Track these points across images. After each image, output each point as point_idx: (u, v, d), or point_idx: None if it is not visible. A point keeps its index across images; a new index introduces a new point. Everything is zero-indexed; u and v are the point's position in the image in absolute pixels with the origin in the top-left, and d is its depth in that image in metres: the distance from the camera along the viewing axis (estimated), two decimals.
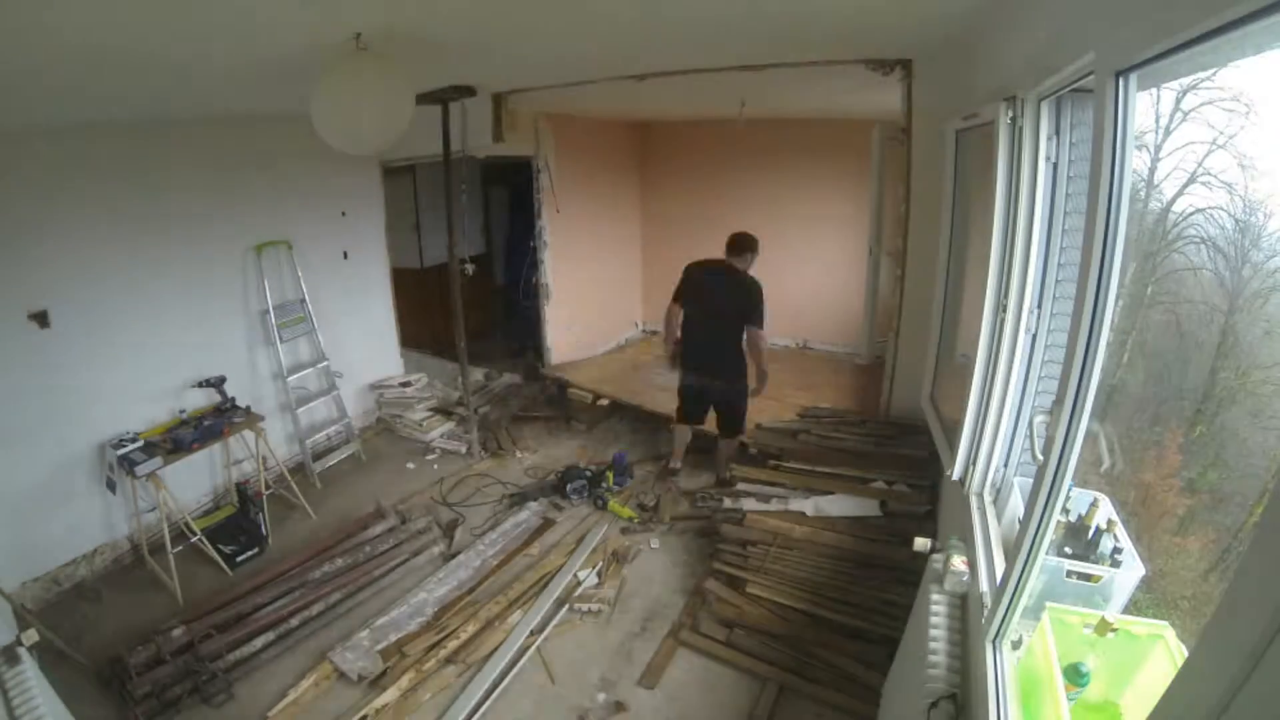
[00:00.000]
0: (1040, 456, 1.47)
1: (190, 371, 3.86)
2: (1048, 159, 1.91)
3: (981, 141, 2.33)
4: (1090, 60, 1.35)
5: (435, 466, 4.66)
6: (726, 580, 3.14)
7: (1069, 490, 1.45)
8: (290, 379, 4.37)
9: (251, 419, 3.86)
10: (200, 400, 3.89)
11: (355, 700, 2.68)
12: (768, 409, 4.27)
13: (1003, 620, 1.59)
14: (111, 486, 3.47)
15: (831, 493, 3.29)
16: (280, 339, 4.28)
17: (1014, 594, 1.55)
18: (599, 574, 3.35)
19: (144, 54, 2.03)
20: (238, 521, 3.85)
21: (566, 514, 3.97)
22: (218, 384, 3.90)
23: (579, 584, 3.27)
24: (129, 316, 3.59)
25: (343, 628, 3.08)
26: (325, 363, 4.60)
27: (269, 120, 4.00)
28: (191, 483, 3.93)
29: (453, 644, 2.91)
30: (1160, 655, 1.51)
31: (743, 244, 3.87)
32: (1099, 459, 1.71)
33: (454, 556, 3.56)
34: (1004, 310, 2.05)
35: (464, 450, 4.76)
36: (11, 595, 2.87)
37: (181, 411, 3.75)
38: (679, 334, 4.04)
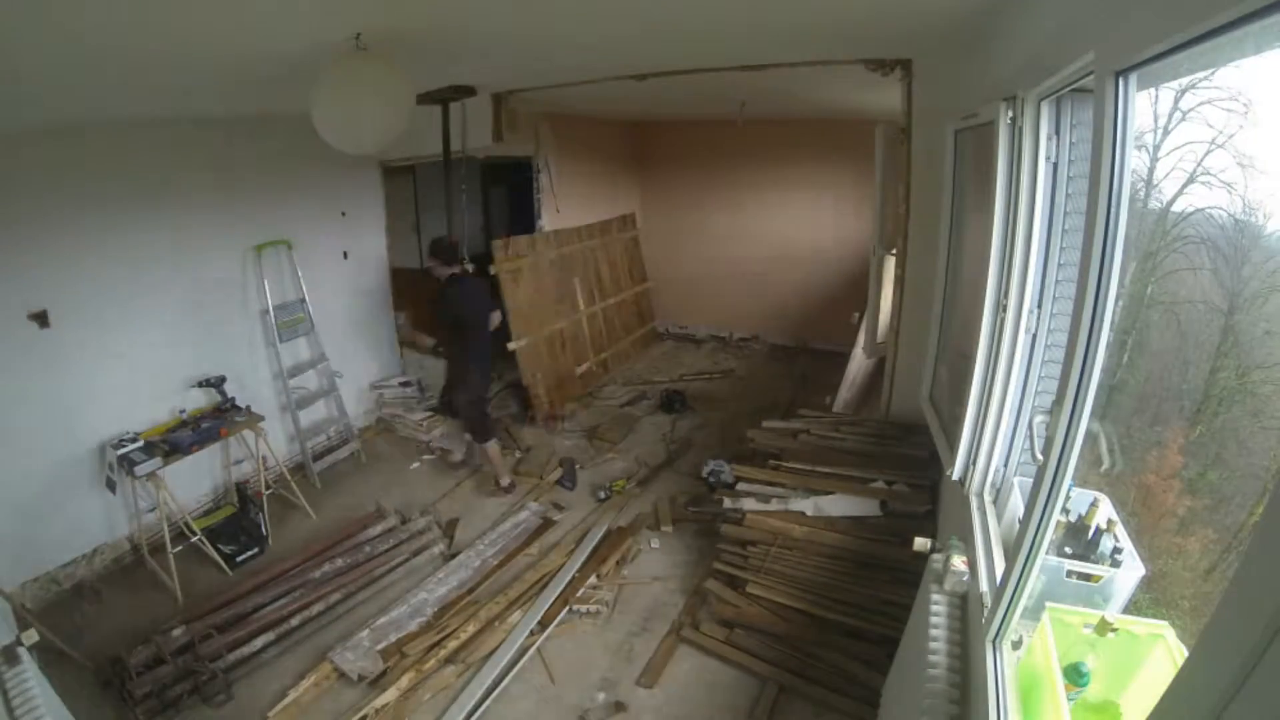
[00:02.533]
0: (1040, 456, 1.47)
1: (190, 371, 3.86)
2: (1048, 159, 1.91)
3: (981, 141, 2.32)
4: (1090, 60, 1.35)
5: (435, 466, 4.66)
6: (726, 580, 3.13)
7: (1069, 490, 1.45)
8: (290, 379, 4.37)
9: (251, 419, 3.85)
10: (201, 400, 3.89)
11: (355, 700, 2.68)
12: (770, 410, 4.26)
13: (1003, 620, 1.59)
14: (111, 486, 3.47)
15: (831, 493, 3.29)
16: (280, 339, 4.28)
17: (1014, 594, 1.55)
18: (598, 575, 3.36)
19: (144, 54, 2.03)
20: (238, 521, 3.85)
21: (567, 514, 3.97)
22: (218, 384, 3.90)
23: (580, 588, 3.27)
24: (129, 316, 3.59)
25: (343, 628, 3.08)
26: (325, 363, 4.60)
27: (269, 120, 4.00)
28: (192, 483, 3.93)
29: (453, 644, 2.91)
30: (1160, 655, 1.51)
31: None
32: (1099, 459, 1.71)
33: (454, 556, 3.56)
34: (1004, 310, 2.05)
35: (464, 450, 4.75)
36: (11, 595, 2.88)
37: (182, 411, 3.75)
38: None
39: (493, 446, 4.17)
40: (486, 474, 4.35)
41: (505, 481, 4.24)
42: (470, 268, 4.41)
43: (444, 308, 3.91)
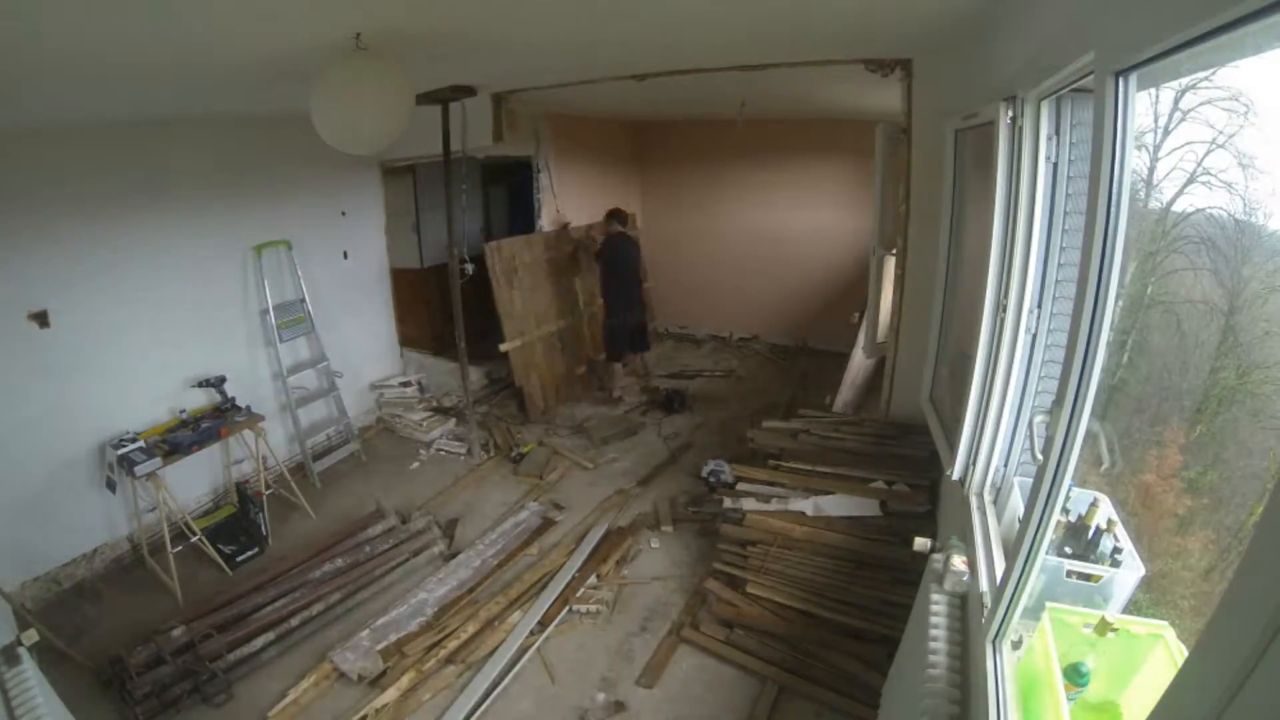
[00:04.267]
0: (1040, 456, 1.47)
1: (190, 371, 3.86)
2: (1048, 159, 1.91)
3: (981, 141, 2.33)
4: (1090, 60, 1.35)
5: (435, 466, 4.66)
6: (726, 580, 3.14)
7: (1069, 490, 1.45)
8: (290, 379, 4.37)
9: (251, 419, 3.86)
10: (200, 400, 3.89)
11: (355, 700, 2.68)
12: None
13: (1003, 620, 1.59)
14: (111, 486, 3.47)
15: (831, 493, 3.29)
16: (280, 339, 4.29)
17: (1014, 594, 1.55)
18: (598, 575, 3.36)
19: (145, 53, 2.03)
20: (238, 521, 3.85)
21: (567, 513, 3.97)
22: (218, 384, 3.90)
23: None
24: (129, 316, 3.59)
25: (343, 628, 3.09)
26: (325, 362, 4.60)
27: (269, 120, 4.00)
28: (192, 482, 3.93)
29: (453, 644, 2.91)
30: (1160, 655, 1.51)
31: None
32: (1099, 459, 1.71)
33: (454, 556, 3.56)
34: (1004, 310, 2.05)
35: (464, 450, 4.76)
36: (11, 595, 2.88)
37: (182, 411, 3.75)
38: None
39: (615, 366, 5.64)
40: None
41: (615, 394, 5.61)
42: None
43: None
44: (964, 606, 1.90)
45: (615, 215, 5.34)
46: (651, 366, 6.02)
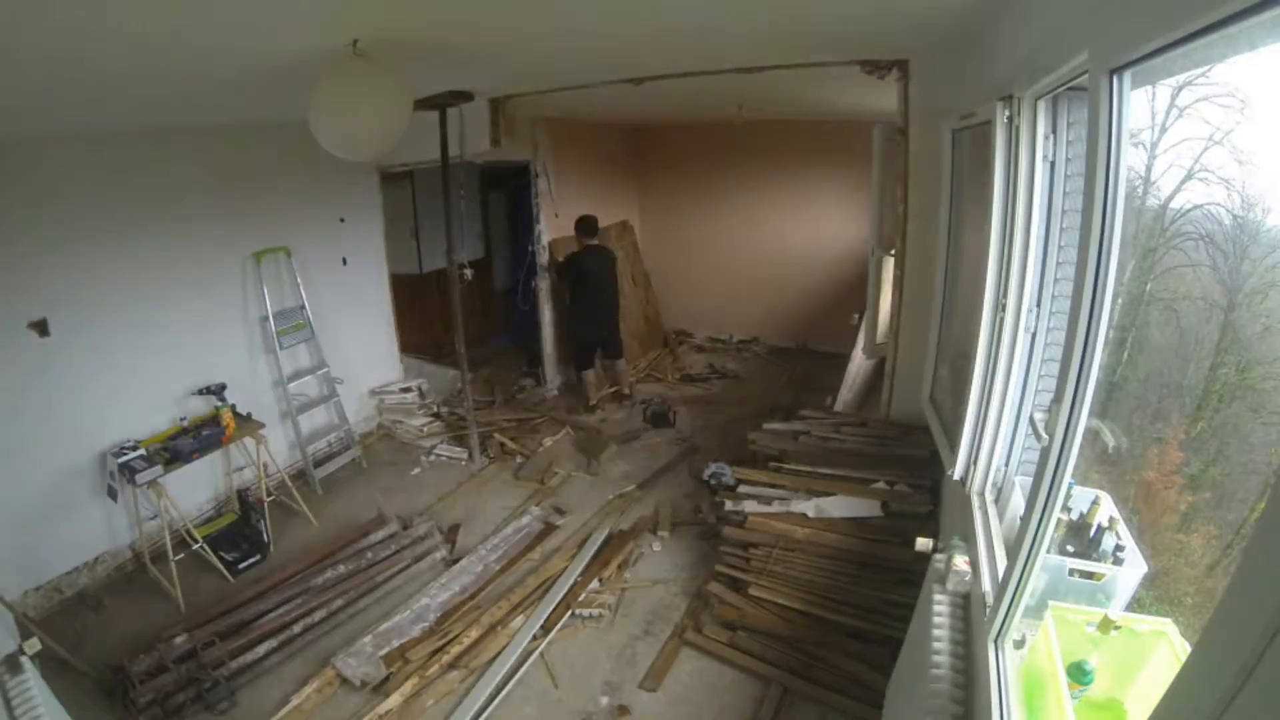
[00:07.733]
0: (1045, 436, 1.47)
1: (191, 379, 3.86)
2: (1045, 158, 1.91)
3: (979, 141, 2.33)
4: (1084, 59, 1.36)
5: (436, 472, 4.66)
6: (729, 582, 3.13)
7: (1070, 488, 1.45)
8: (290, 385, 4.37)
9: (252, 426, 3.85)
10: (201, 408, 3.89)
11: (358, 706, 2.68)
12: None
13: (1004, 619, 1.59)
14: (113, 494, 3.47)
15: (833, 494, 3.29)
16: (280, 345, 4.28)
17: (1015, 592, 1.55)
18: (600, 579, 3.35)
19: (142, 61, 2.04)
20: (239, 528, 3.85)
21: (569, 518, 3.97)
22: (218, 391, 3.89)
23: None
24: (129, 324, 3.59)
25: (345, 634, 3.08)
26: (325, 369, 4.60)
27: (267, 127, 4.01)
28: (193, 490, 3.93)
29: (455, 649, 2.91)
30: (1164, 652, 1.51)
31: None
32: (1104, 448, 1.71)
33: (456, 562, 3.56)
34: (1003, 309, 2.06)
35: (465, 455, 4.76)
36: (14, 604, 2.88)
37: (182, 419, 3.75)
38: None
39: (588, 375, 5.54)
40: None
41: (591, 402, 5.50)
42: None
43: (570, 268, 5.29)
44: (966, 606, 1.89)
45: (581, 225, 5.29)
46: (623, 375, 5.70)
